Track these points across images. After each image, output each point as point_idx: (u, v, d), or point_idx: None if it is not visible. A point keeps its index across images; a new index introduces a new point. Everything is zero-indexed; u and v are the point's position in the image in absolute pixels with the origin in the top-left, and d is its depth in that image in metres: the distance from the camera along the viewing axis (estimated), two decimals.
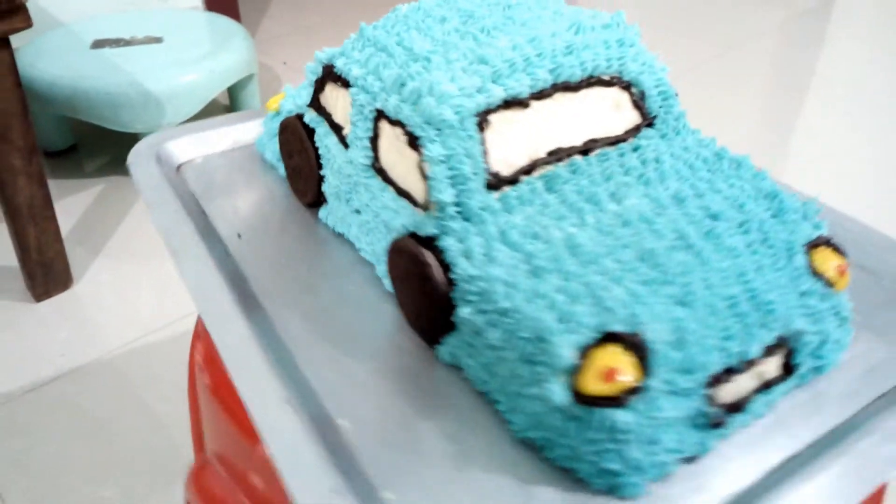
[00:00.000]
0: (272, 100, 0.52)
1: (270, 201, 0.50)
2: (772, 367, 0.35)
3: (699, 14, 2.11)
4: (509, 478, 0.32)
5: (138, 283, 1.11)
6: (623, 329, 0.31)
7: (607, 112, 0.42)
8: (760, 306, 0.34)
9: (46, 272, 1.06)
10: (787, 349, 0.35)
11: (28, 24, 0.89)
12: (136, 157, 0.52)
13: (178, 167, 0.53)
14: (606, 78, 0.42)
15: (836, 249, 0.37)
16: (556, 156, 0.39)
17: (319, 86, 0.45)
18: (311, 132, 0.46)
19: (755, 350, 0.33)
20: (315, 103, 0.45)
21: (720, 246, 0.35)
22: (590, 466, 0.32)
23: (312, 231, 0.47)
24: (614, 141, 0.41)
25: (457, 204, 0.37)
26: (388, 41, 0.42)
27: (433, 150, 0.37)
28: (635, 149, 0.41)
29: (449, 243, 0.36)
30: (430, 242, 0.37)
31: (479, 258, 0.35)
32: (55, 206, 1.04)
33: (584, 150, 0.40)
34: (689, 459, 0.33)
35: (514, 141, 0.39)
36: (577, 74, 0.41)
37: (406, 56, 0.40)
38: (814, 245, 0.37)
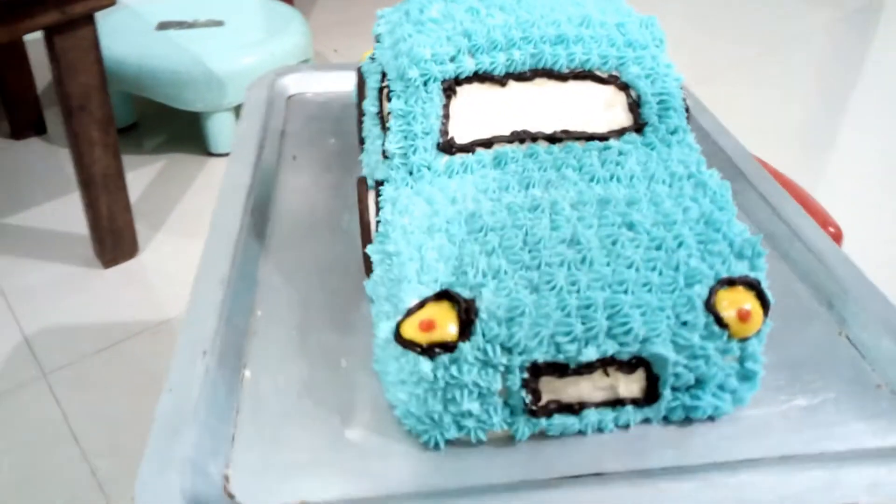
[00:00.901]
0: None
1: (339, 135, 0.56)
2: (630, 385, 0.34)
3: (744, 12, 2.11)
4: (360, 393, 0.37)
5: (197, 256, 1.16)
6: (461, 292, 0.33)
7: (594, 108, 0.42)
8: (616, 319, 0.33)
9: (115, 240, 1.11)
10: (650, 373, 0.34)
11: (112, 1, 0.94)
12: (258, 81, 0.61)
13: (289, 97, 0.62)
14: (603, 75, 0.42)
15: (760, 295, 0.34)
16: (518, 137, 0.41)
17: (376, 39, 0.49)
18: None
19: (589, 355, 0.33)
20: (373, 55, 0.50)
21: (614, 253, 0.35)
22: (403, 406, 0.34)
23: (353, 172, 0.51)
24: (590, 137, 0.42)
25: (403, 156, 0.40)
26: (412, 7, 0.46)
27: (395, 104, 0.41)
28: (606, 149, 0.41)
29: (386, 189, 0.40)
30: (377, 186, 0.41)
31: (400, 207, 0.38)
32: (124, 177, 1.09)
33: (553, 138, 0.41)
34: (512, 438, 0.34)
35: (480, 114, 0.42)
36: (563, 64, 0.42)
37: (414, 22, 0.44)
38: (729, 282, 0.34)
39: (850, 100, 1.67)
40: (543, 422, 0.34)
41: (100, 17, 0.96)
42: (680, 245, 0.35)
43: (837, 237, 0.69)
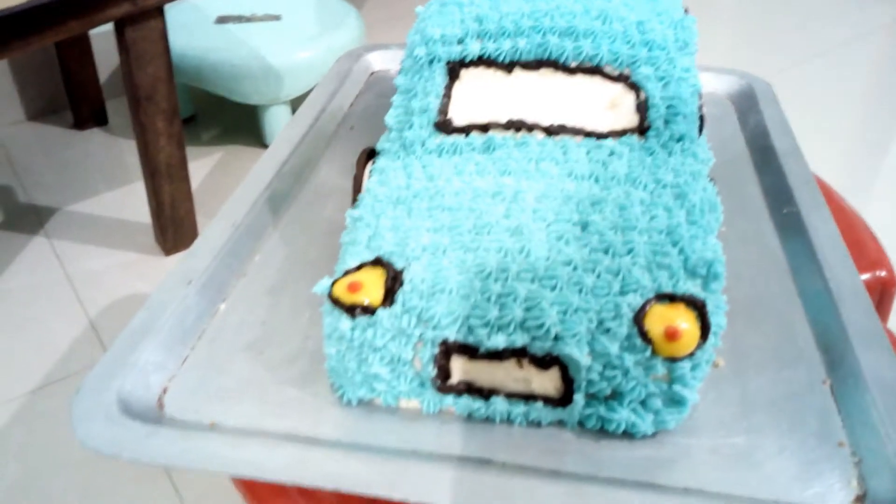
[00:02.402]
0: None
1: None
2: (544, 382, 0.34)
3: (802, 11, 2.07)
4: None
5: None
6: (395, 262, 0.35)
7: (598, 105, 0.42)
8: (532, 312, 0.33)
9: (177, 228, 1.13)
10: (565, 375, 0.33)
11: None
12: (345, 55, 0.67)
13: (372, 73, 0.66)
14: (613, 73, 0.42)
15: (702, 317, 0.32)
16: (514, 125, 0.42)
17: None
18: None
19: (498, 342, 0.33)
20: None
21: (555, 249, 0.35)
22: (329, 360, 0.36)
23: None
24: (588, 133, 0.41)
25: (399, 131, 0.42)
26: None
27: (399, 79, 0.43)
28: (598, 147, 0.41)
29: (379, 160, 0.43)
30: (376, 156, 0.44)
31: (383, 177, 0.41)
32: (187, 167, 1.11)
33: (549, 130, 0.42)
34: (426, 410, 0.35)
35: (481, 98, 0.42)
36: (570, 57, 0.41)
37: (441, 2, 0.46)
38: (670, 298, 0.33)
39: None
40: (451, 400, 0.35)
41: None
42: (629, 252, 0.34)
43: (889, 283, 0.58)
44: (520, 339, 0.33)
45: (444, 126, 0.42)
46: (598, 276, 0.34)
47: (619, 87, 0.42)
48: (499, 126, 0.42)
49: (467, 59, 0.42)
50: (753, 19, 1.99)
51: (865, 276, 0.54)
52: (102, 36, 1.22)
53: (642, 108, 0.41)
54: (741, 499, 0.31)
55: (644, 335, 0.32)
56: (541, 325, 0.32)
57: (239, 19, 1.48)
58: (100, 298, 1.07)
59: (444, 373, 0.35)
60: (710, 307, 0.33)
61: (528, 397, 0.34)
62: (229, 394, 0.37)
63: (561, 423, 0.35)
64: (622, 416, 0.33)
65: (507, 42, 0.42)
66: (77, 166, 1.39)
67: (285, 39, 1.41)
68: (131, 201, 1.25)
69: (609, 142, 0.41)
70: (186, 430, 0.34)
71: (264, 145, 1.44)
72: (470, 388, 0.35)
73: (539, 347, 0.33)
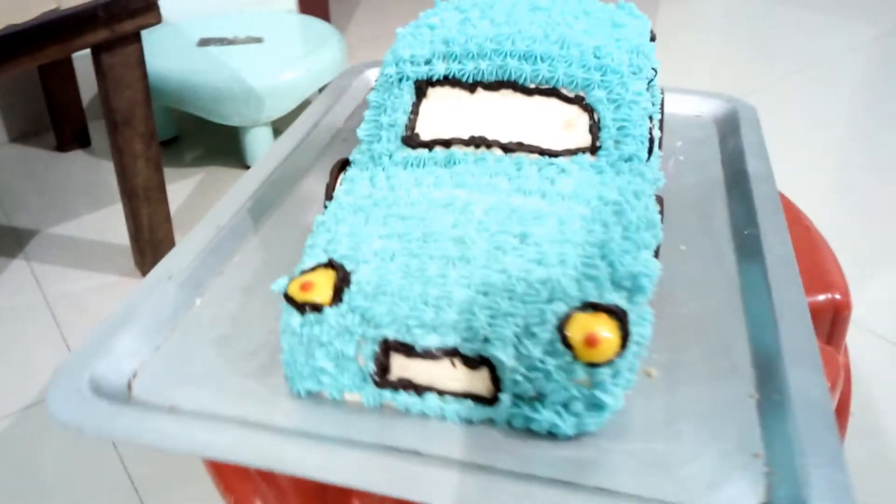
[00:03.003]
0: None
1: None
2: (475, 382, 0.36)
3: (784, 28, 2.10)
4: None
5: None
6: (346, 265, 0.38)
7: (554, 125, 0.44)
8: (464, 315, 0.35)
9: (156, 251, 1.13)
10: (494, 375, 0.35)
11: (158, 19, 0.97)
12: (347, 70, 0.71)
13: (371, 89, 0.70)
14: (569, 94, 0.44)
15: (623, 327, 0.34)
16: (475, 142, 0.45)
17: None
18: None
19: (432, 342, 0.35)
20: None
21: (493, 259, 0.37)
22: (284, 353, 0.38)
23: None
24: (542, 152, 0.44)
25: (369, 144, 0.46)
26: (424, 14, 0.50)
27: (372, 95, 0.47)
28: (550, 165, 0.43)
29: (350, 170, 0.46)
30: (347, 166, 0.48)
31: (350, 186, 0.44)
32: (166, 190, 1.12)
33: (506, 147, 0.44)
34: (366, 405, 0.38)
35: (447, 115, 0.45)
36: (528, 79, 0.44)
37: (416, 25, 0.49)
38: (593, 307, 0.34)
39: (892, 119, 1.65)
40: (389, 394, 0.37)
41: (144, 34, 1.00)
42: (561, 263, 0.37)
43: (841, 307, 0.57)
44: (451, 340, 0.35)
45: (410, 141, 0.45)
46: (529, 285, 0.36)
47: (574, 109, 0.44)
48: (461, 142, 0.45)
49: (434, 79, 0.45)
50: (738, 35, 2.02)
51: (820, 298, 0.55)
52: (85, 58, 1.23)
53: (594, 129, 0.44)
54: (651, 500, 0.33)
55: (565, 341, 0.33)
56: (471, 328, 0.35)
57: (221, 42, 1.49)
58: (77, 321, 1.07)
59: (383, 369, 0.37)
60: (632, 318, 0.34)
61: (461, 395, 0.37)
62: (193, 381, 0.40)
63: (491, 422, 0.37)
64: (545, 416, 0.35)
65: (470, 63, 0.44)
66: (59, 188, 1.39)
67: (267, 62, 1.43)
68: (112, 223, 1.26)
69: (561, 160, 0.44)
70: (147, 412, 0.38)
71: (246, 166, 1.45)
72: (407, 385, 0.37)
73: (469, 348, 0.35)
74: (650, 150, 0.44)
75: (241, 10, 1.70)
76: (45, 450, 0.88)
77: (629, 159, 0.43)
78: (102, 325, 0.42)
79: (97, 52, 0.96)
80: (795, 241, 0.48)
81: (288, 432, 0.36)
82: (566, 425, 0.35)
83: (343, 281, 0.37)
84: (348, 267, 0.38)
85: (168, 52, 1.45)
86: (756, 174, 0.55)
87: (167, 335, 0.43)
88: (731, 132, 0.62)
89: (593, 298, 0.35)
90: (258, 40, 1.51)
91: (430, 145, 0.45)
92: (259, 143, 1.42)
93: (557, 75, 0.43)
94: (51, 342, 1.04)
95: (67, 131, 1.49)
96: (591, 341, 0.33)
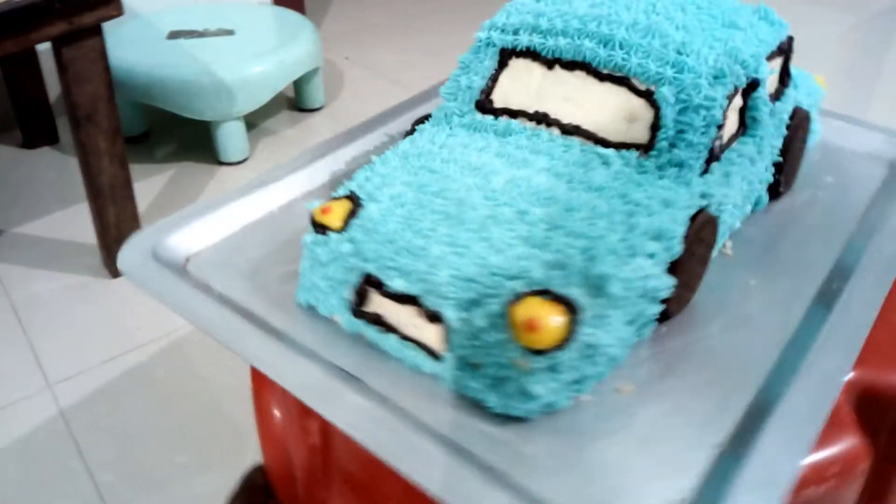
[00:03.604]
0: None
1: None
2: (430, 333, 0.38)
3: None
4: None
5: None
6: (363, 199, 0.41)
7: (617, 115, 0.42)
8: (430, 269, 0.37)
9: None
10: (446, 332, 0.37)
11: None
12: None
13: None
14: (641, 87, 0.42)
15: (571, 321, 0.33)
16: (537, 118, 0.45)
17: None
18: None
19: (398, 286, 0.37)
20: None
21: (484, 226, 0.38)
22: (300, 263, 0.42)
23: None
24: (598, 140, 0.43)
25: (446, 102, 0.48)
26: None
27: (463, 55, 0.48)
28: (596, 154, 0.42)
29: (426, 123, 0.48)
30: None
31: (416, 136, 0.47)
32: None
33: (564, 129, 0.44)
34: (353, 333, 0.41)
35: (523, 86, 0.46)
36: (602, 63, 0.43)
37: (536, 4, 0.49)
38: (553, 296, 0.34)
39: (871, 109, 1.65)
40: (362, 326, 0.40)
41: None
42: (542, 246, 0.37)
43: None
44: (415, 289, 0.37)
45: (482, 105, 0.47)
46: (504, 259, 0.36)
47: (641, 102, 0.42)
48: (526, 115, 0.45)
49: (517, 49, 0.46)
50: None
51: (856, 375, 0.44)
52: (51, 53, 1.19)
53: (655, 126, 0.41)
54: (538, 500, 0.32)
55: (508, 319, 0.33)
56: (434, 283, 0.36)
57: (191, 34, 1.46)
58: (42, 323, 1.05)
59: (360, 300, 0.40)
60: (588, 318, 0.34)
61: (416, 344, 0.38)
62: (238, 271, 0.46)
63: (438, 378, 0.38)
64: (476, 386, 0.36)
65: (551, 39, 0.44)
66: (25, 186, 1.36)
67: (238, 54, 1.40)
68: (80, 222, 1.23)
69: (610, 151, 0.42)
70: (188, 285, 0.44)
71: (219, 162, 1.42)
72: (378, 321, 0.39)
73: (428, 301, 0.37)
74: (709, 161, 0.41)
75: (212, 2, 1.67)
76: (7, 457, 0.85)
77: (679, 165, 0.40)
78: (156, 224, 0.48)
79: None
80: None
81: (270, 330, 0.40)
82: (492, 401, 0.35)
83: (352, 214, 0.40)
84: (365, 203, 0.41)
85: (136, 45, 1.41)
86: (892, 230, 0.48)
87: (236, 227, 0.50)
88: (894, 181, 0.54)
89: (555, 287, 0.34)
90: (230, 32, 1.48)
91: (498, 112, 0.46)
92: (231, 137, 1.40)
93: (630, 64, 0.42)
94: (15, 345, 1.01)
95: (34, 128, 1.45)
96: (530, 325, 0.33)
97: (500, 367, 0.35)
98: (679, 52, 0.41)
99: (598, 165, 0.41)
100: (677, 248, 0.38)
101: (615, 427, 0.35)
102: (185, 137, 1.51)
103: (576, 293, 0.34)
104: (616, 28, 0.43)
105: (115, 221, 1.08)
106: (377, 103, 1.64)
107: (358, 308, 0.40)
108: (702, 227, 0.40)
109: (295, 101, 1.61)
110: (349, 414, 0.35)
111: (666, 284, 0.38)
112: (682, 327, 0.41)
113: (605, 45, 0.43)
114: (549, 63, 0.45)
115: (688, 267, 0.40)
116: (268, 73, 1.38)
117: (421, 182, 0.42)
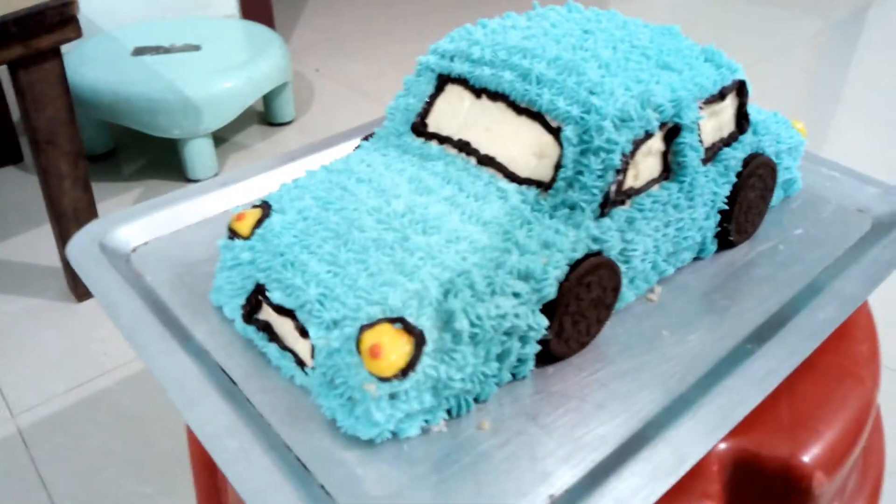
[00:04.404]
0: None
1: None
2: (300, 346, 0.39)
3: (730, 24, 2.11)
4: None
5: None
6: (274, 207, 0.43)
7: (528, 150, 0.42)
8: (302, 287, 0.38)
9: None
10: (311, 346, 0.38)
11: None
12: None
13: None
14: (553, 124, 0.41)
15: (412, 345, 0.34)
16: (458, 146, 0.45)
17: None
18: None
19: (276, 299, 0.39)
20: None
21: (365, 249, 0.39)
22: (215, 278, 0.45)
23: None
24: (508, 174, 0.42)
25: (385, 122, 0.49)
26: (508, 17, 0.51)
27: (406, 78, 0.50)
28: (497, 187, 0.42)
29: (364, 142, 0.50)
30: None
31: (351, 153, 0.48)
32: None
33: (481, 159, 0.44)
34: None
35: (453, 113, 0.46)
36: (519, 98, 0.43)
37: (476, 25, 0.50)
38: (404, 325, 0.34)
39: (837, 111, 1.67)
40: (252, 332, 0.41)
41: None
42: (409, 276, 0.37)
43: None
44: (290, 304, 0.38)
45: (415, 128, 0.48)
46: (373, 283, 0.37)
47: (550, 140, 0.41)
48: (451, 142, 0.46)
49: (452, 76, 0.47)
50: (684, 32, 2.02)
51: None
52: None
53: (557, 166, 0.41)
54: None
55: (358, 343, 0.34)
56: (307, 300, 0.37)
57: (157, 50, 1.44)
58: (5, 349, 1.03)
59: (253, 308, 0.41)
60: (436, 352, 0.35)
61: (292, 354, 0.39)
62: (173, 266, 0.48)
63: (307, 391, 0.39)
64: (331, 405, 0.36)
65: (478, 69, 0.45)
66: None
67: (205, 70, 1.38)
68: (44, 243, 1.21)
69: (511, 186, 0.42)
70: (115, 274, 0.46)
71: (187, 179, 1.40)
72: (265, 329, 0.41)
73: (301, 316, 0.38)
74: (605, 205, 0.40)
75: (178, 17, 1.65)
76: None
77: (572, 207, 0.40)
78: (104, 217, 0.51)
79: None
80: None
81: (177, 330, 0.42)
82: (342, 421, 0.36)
83: (259, 223, 0.42)
84: (273, 213, 0.42)
85: (100, 63, 1.39)
86: (836, 292, 0.45)
87: (187, 223, 0.52)
88: (873, 240, 0.50)
89: (409, 317, 0.34)
90: (196, 48, 1.46)
91: (429, 136, 0.47)
92: (199, 155, 1.38)
93: (543, 101, 0.42)
94: None
95: None
96: (373, 351, 0.33)
97: (352, 388, 0.35)
98: (591, 92, 0.40)
99: (496, 199, 0.41)
100: (548, 290, 0.37)
101: (453, 461, 0.35)
102: (153, 155, 1.49)
103: (426, 324, 0.34)
104: (537, 62, 0.43)
105: None
106: (347, 115, 1.63)
107: (250, 315, 0.41)
108: (589, 272, 0.39)
109: (265, 115, 1.60)
110: (203, 414, 0.36)
111: (538, 325, 0.38)
112: (571, 371, 0.40)
113: (523, 79, 0.43)
114: (477, 92, 0.45)
115: (576, 310, 0.39)
116: (236, 89, 1.37)
117: (329, 199, 0.43)
